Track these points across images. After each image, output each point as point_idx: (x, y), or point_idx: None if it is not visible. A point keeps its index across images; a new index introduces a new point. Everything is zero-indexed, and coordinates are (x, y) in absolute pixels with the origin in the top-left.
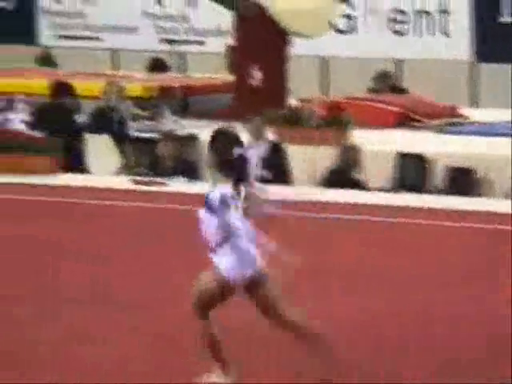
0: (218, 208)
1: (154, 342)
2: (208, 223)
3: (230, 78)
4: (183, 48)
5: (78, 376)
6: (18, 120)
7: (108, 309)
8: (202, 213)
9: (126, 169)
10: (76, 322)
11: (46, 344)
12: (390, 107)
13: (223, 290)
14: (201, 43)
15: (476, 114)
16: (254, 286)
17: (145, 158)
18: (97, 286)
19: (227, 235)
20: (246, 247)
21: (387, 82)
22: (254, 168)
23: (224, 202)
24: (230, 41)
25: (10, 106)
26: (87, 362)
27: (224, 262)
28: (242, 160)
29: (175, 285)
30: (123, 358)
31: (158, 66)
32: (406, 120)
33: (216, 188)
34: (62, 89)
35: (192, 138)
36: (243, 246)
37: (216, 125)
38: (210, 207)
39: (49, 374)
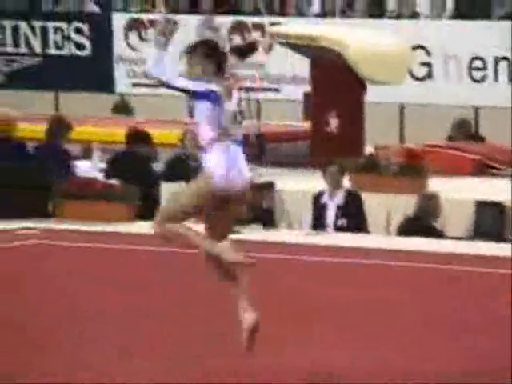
0: None
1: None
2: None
3: (306, 125)
4: (258, 95)
5: None
6: (94, 168)
7: None
8: None
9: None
10: None
11: None
12: (467, 155)
13: None
14: (276, 90)
15: None
16: None
17: None
18: None
19: None
20: None
21: (466, 130)
22: (332, 216)
23: None
24: (307, 88)
25: (86, 154)
26: None
27: None
28: (321, 208)
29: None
30: None
31: None
32: (483, 168)
33: None
34: (138, 137)
35: (268, 186)
36: None
37: (292, 172)
38: None
39: None
